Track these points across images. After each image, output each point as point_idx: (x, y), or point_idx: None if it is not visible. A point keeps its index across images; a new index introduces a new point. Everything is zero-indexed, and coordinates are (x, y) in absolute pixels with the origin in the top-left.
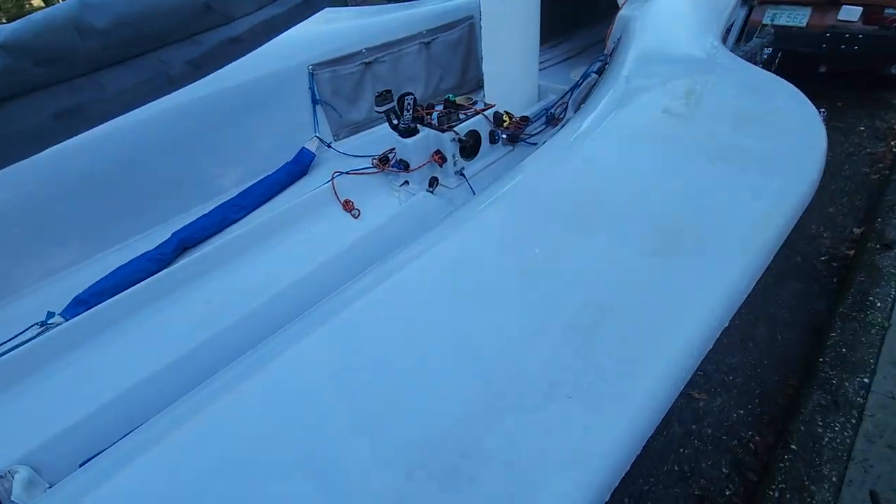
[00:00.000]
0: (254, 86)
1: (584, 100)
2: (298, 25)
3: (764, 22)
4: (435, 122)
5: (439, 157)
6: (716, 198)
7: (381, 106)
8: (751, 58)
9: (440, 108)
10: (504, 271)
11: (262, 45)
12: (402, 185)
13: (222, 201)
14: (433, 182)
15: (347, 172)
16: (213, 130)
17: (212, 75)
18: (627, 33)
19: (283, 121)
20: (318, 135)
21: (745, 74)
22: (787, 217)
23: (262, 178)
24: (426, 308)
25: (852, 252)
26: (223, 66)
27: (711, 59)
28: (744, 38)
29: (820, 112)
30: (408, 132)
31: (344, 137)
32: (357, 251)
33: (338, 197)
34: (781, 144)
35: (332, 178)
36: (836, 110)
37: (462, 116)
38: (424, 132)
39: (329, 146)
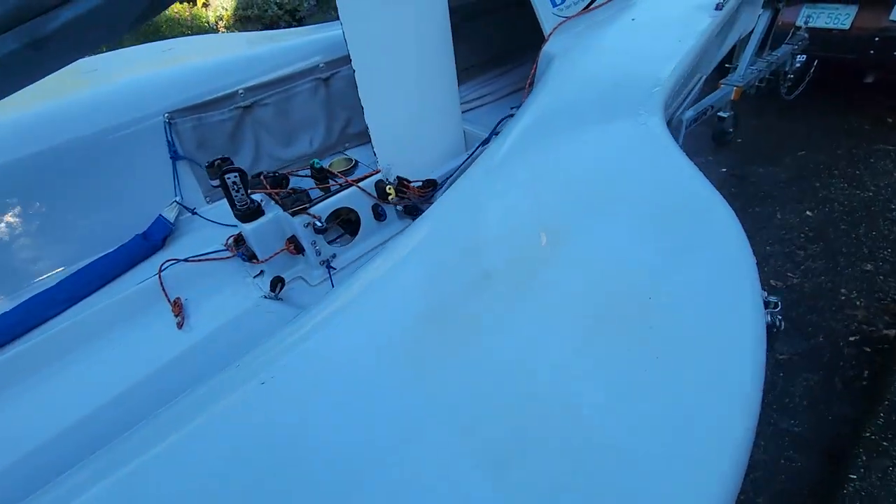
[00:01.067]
0: (92, 142)
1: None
2: (153, 62)
3: (797, 24)
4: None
5: (293, 247)
6: None
7: (214, 179)
8: (778, 69)
9: (307, 174)
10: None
11: None
12: (256, 276)
13: (35, 293)
14: (276, 284)
15: (185, 259)
16: (28, 201)
17: (24, 131)
18: (543, 81)
19: (132, 184)
20: (178, 199)
21: (669, 189)
22: None
23: (95, 259)
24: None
25: (892, 333)
26: None
27: (630, 141)
28: (769, 45)
29: (768, 305)
30: (247, 215)
31: (218, 199)
32: (172, 375)
33: (166, 294)
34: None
35: (161, 269)
36: (886, 128)
37: (336, 187)
38: (273, 213)
39: (194, 213)
